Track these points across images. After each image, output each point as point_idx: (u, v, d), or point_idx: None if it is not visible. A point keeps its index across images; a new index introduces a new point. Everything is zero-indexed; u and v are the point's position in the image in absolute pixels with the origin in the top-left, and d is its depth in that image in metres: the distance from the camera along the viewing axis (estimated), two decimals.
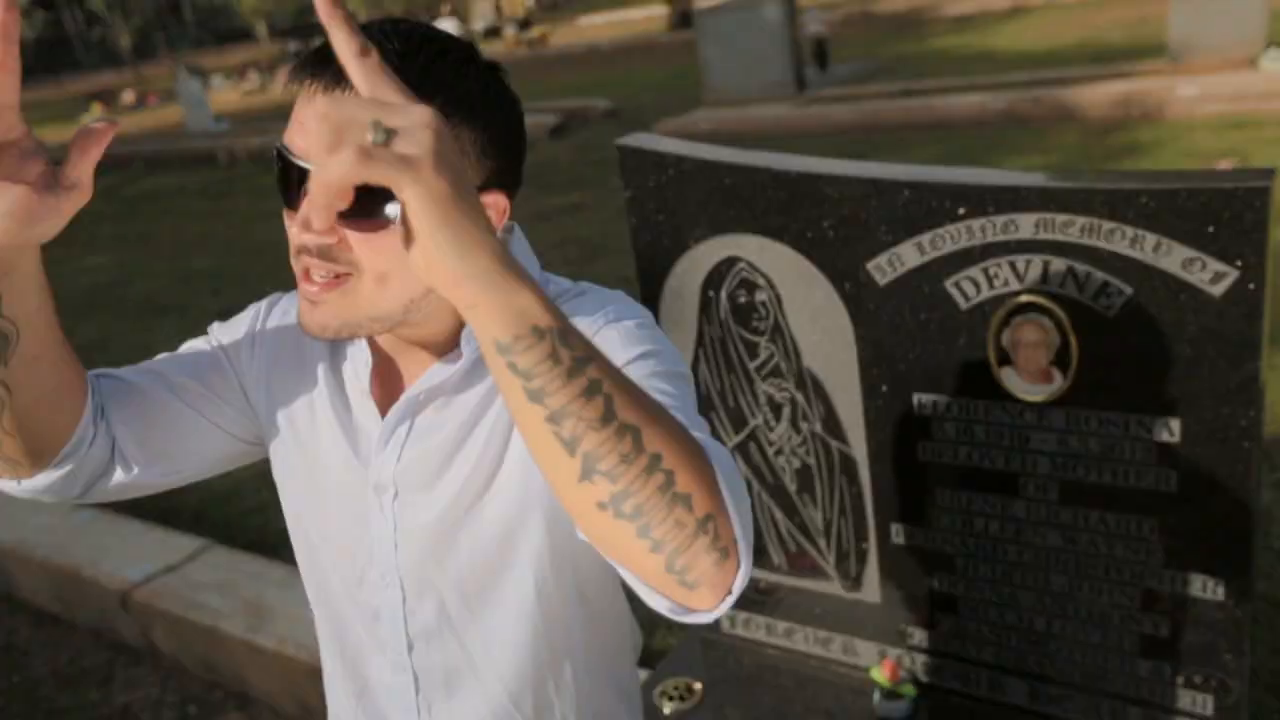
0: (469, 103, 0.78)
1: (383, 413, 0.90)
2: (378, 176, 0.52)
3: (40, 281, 0.78)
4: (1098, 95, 7.23)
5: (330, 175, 0.51)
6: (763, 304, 1.51)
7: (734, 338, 1.57)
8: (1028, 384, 1.34)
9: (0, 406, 0.80)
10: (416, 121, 0.54)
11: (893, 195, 1.33)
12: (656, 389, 0.76)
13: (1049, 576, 1.43)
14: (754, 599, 1.75)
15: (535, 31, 22.32)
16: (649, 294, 1.62)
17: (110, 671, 2.78)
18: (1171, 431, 1.27)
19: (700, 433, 0.71)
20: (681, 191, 1.51)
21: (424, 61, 0.76)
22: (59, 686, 2.75)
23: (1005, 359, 1.34)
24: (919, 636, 1.59)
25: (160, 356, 0.98)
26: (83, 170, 0.70)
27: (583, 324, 0.85)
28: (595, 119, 10.56)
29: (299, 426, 0.95)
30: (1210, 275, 1.18)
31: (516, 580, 0.90)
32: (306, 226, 0.73)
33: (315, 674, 2.43)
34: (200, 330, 1.02)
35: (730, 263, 1.51)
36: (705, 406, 1.64)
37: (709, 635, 1.81)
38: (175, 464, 0.93)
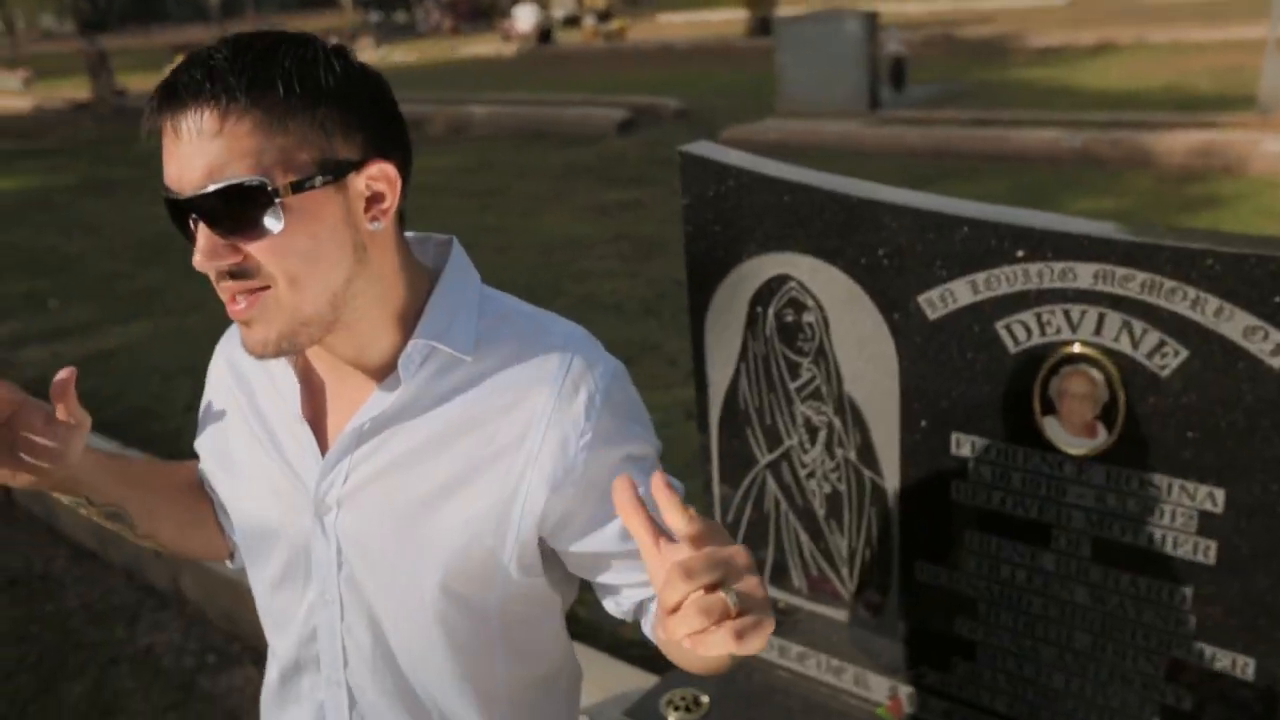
0: (312, 85, 0.78)
1: (318, 434, 0.91)
2: (749, 648, 0.62)
3: (114, 472, 0.96)
4: (1178, 143, 7.07)
5: (716, 651, 0.61)
6: (809, 325, 1.50)
7: (777, 356, 1.56)
8: (1070, 436, 1.31)
9: (161, 547, 1.06)
10: (743, 565, 0.64)
11: (951, 230, 1.31)
12: None
13: (1072, 633, 1.40)
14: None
15: (614, 24, 22.38)
16: (697, 303, 1.62)
17: (138, 612, 2.86)
18: (1215, 501, 1.24)
19: None
20: (739, 204, 1.50)
21: (253, 59, 0.77)
22: (88, 620, 2.84)
23: (1050, 408, 1.31)
24: (933, 677, 1.57)
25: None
26: (71, 410, 0.85)
27: (573, 396, 0.87)
28: (665, 118, 10.57)
29: (232, 462, 0.98)
30: (1272, 346, 1.15)
31: (448, 615, 0.91)
32: (209, 256, 0.78)
33: None
34: None
35: (781, 281, 1.50)
36: (743, 421, 1.64)
37: None
38: None
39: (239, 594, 2.64)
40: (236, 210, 0.76)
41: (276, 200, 0.76)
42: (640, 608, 0.96)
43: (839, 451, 1.55)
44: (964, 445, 1.41)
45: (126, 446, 3.40)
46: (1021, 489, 1.38)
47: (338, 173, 0.79)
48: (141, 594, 2.95)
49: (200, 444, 1.05)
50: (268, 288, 0.79)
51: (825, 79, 9.62)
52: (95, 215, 8.11)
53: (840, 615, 1.65)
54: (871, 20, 9.65)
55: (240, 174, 0.75)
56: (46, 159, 11.14)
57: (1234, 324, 1.17)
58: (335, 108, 0.79)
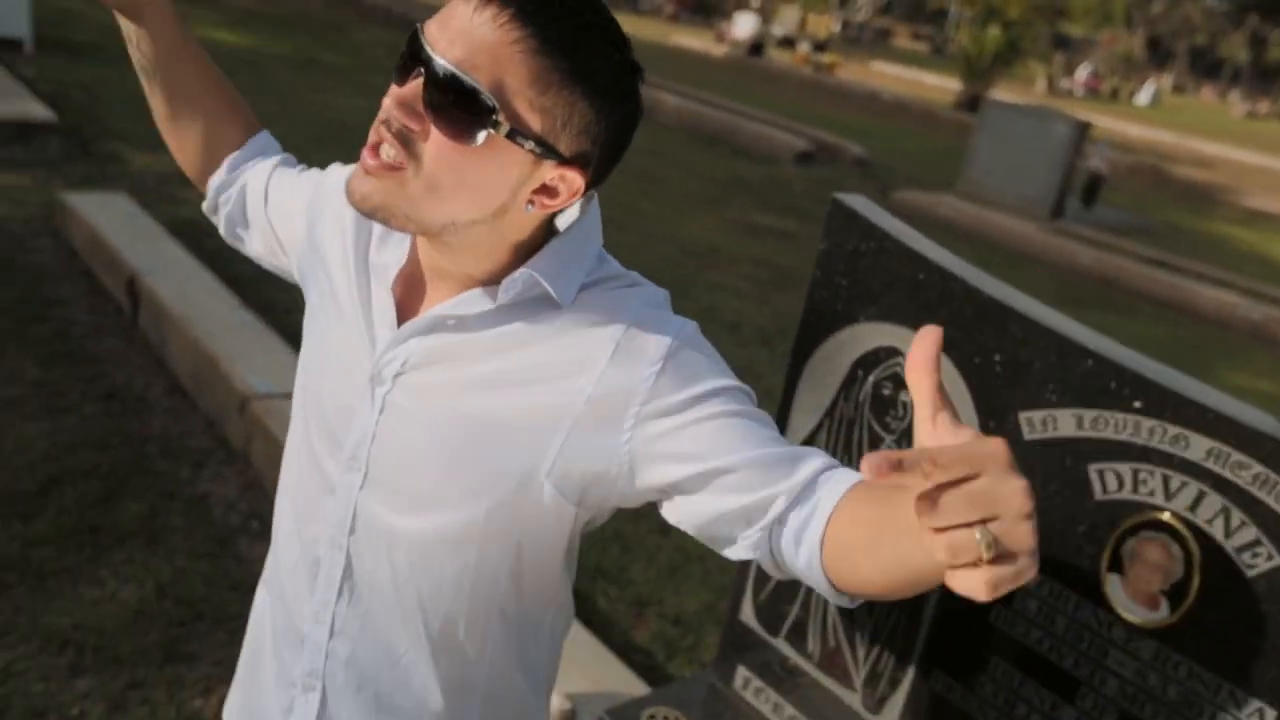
0: (598, 82, 0.79)
1: (399, 313, 0.93)
2: (1003, 593, 0.54)
3: (174, 31, 1.02)
4: None
5: (961, 589, 0.54)
6: (904, 405, 1.48)
7: (864, 424, 1.54)
8: (1130, 600, 1.25)
9: (162, 122, 1.09)
10: (1016, 511, 0.54)
11: (1075, 359, 1.27)
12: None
13: None
14: (776, 674, 1.72)
15: (826, 57, 22.26)
16: (802, 347, 1.61)
17: (205, 460, 3.02)
18: (1263, 718, 1.16)
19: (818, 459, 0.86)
20: (873, 266, 1.49)
21: (582, 23, 0.78)
22: (162, 452, 3.01)
23: (1117, 566, 1.26)
24: None
25: (292, 168, 1.12)
26: None
27: (646, 335, 0.87)
28: (845, 161, 10.47)
29: (331, 287, 0.99)
30: None
31: (464, 522, 0.91)
32: (402, 106, 0.79)
33: None
34: None
35: (889, 352, 1.48)
36: None
37: (718, 685, 1.80)
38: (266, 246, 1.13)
39: None
40: (456, 101, 0.77)
41: (489, 130, 0.78)
42: (767, 536, 0.85)
43: None
44: None
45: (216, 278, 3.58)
46: (1063, 636, 1.33)
47: (544, 152, 0.81)
48: (215, 444, 3.11)
49: (298, 203, 1.06)
50: (404, 168, 0.81)
51: (1016, 173, 9.35)
52: (290, 88, 8.56)
53: (843, 694, 1.62)
54: (1082, 130, 9.33)
55: (485, 85, 0.77)
56: (269, 25, 11.80)
57: None
58: (592, 111, 0.81)
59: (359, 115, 7.98)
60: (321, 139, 6.93)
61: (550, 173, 0.83)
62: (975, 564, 0.54)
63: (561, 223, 0.92)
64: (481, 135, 0.78)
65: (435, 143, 0.79)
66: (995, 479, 0.54)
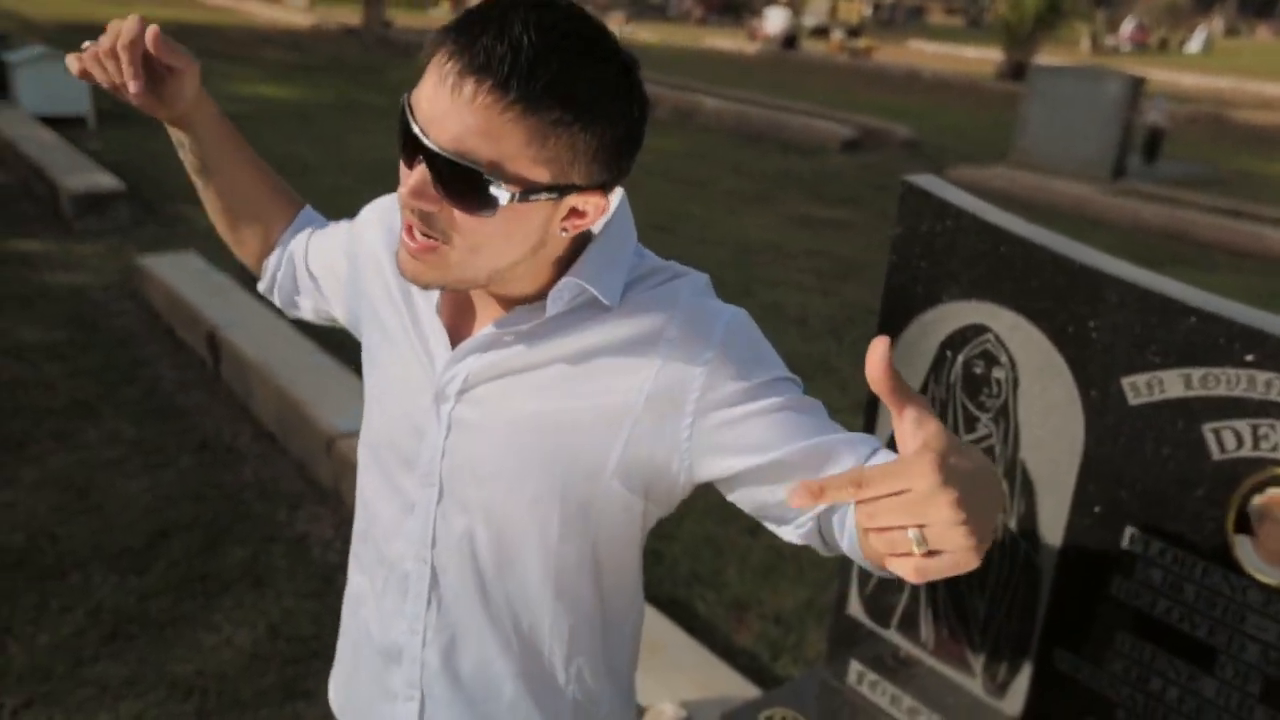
0: (595, 107, 0.78)
1: (450, 335, 0.95)
2: (932, 579, 0.62)
3: (218, 130, 1.07)
4: None
5: (898, 572, 0.62)
6: (997, 382, 1.45)
7: (957, 405, 1.52)
8: (1263, 562, 1.21)
9: (216, 217, 1.14)
10: (944, 520, 0.60)
11: (1176, 318, 1.24)
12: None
13: None
14: (890, 666, 1.70)
15: (861, 42, 22.03)
16: (886, 334, 1.59)
17: (300, 501, 3.09)
18: None
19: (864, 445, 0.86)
20: (952, 244, 1.47)
21: (559, 65, 0.75)
22: (258, 496, 3.09)
23: (1245, 526, 1.22)
24: None
25: (327, 226, 1.17)
26: (174, 58, 0.95)
27: (697, 327, 0.89)
28: (892, 144, 10.33)
29: (382, 320, 1.02)
30: None
31: (539, 527, 0.94)
32: (415, 196, 0.80)
33: None
34: None
35: (977, 330, 1.46)
36: None
37: (831, 681, 1.78)
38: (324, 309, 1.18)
39: None
40: (460, 183, 0.78)
41: (499, 203, 0.79)
42: (816, 523, 0.89)
43: (999, 516, 1.49)
44: (1138, 542, 1.33)
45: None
46: (1193, 604, 1.29)
47: (563, 193, 0.82)
48: (306, 485, 3.18)
49: (337, 267, 1.10)
50: (438, 246, 0.83)
51: (1071, 137, 9.13)
52: (335, 133, 8.75)
53: (963, 680, 1.59)
54: (1136, 85, 9.07)
55: (481, 162, 0.77)
56: (311, 74, 12.10)
57: None
58: (597, 135, 0.80)
59: None
60: (369, 180, 7.07)
61: (574, 200, 0.84)
62: (908, 554, 0.61)
63: (596, 225, 0.94)
64: (499, 201, 0.79)
65: (459, 219, 0.81)
66: (925, 493, 0.59)
